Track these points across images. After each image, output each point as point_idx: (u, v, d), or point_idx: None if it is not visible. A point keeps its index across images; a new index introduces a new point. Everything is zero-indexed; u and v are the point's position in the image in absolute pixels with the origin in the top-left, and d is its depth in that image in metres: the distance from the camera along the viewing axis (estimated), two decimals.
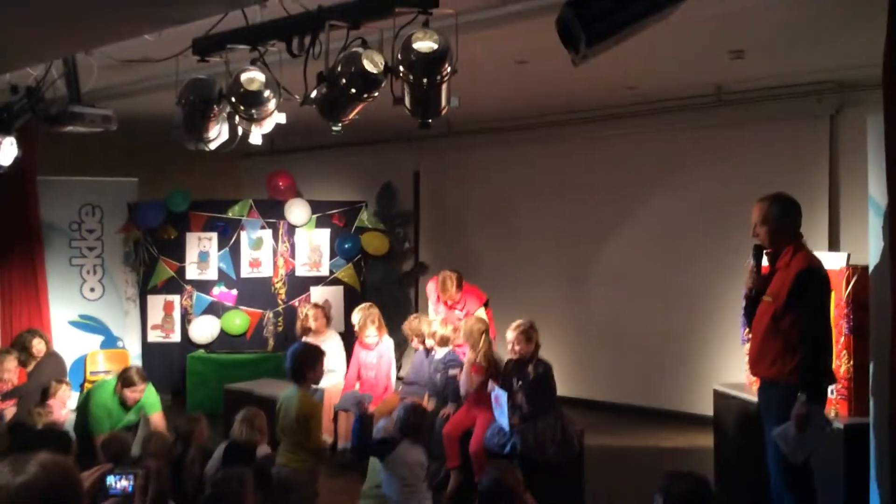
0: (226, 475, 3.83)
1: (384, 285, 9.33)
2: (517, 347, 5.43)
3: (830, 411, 4.83)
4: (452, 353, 6.11)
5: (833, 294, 4.91)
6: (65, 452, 4.31)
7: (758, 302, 4.37)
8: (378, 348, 6.64)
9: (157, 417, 5.95)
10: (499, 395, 5.35)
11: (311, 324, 7.06)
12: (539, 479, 5.15)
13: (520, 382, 5.36)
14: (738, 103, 7.31)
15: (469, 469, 5.58)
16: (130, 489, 2.70)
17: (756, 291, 4.37)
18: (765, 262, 4.41)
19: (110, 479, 2.71)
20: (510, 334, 5.48)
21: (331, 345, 7.00)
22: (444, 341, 6.12)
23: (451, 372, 6.01)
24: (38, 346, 6.99)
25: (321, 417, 4.85)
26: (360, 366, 6.72)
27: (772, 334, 4.23)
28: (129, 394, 5.79)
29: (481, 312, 6.65)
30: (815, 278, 4.15)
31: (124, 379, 5.81)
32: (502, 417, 5.33)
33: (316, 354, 4.88)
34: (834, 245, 6.88)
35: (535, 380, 5.33)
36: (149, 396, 5.96)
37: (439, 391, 6.11)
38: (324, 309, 7.24)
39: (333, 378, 6.94)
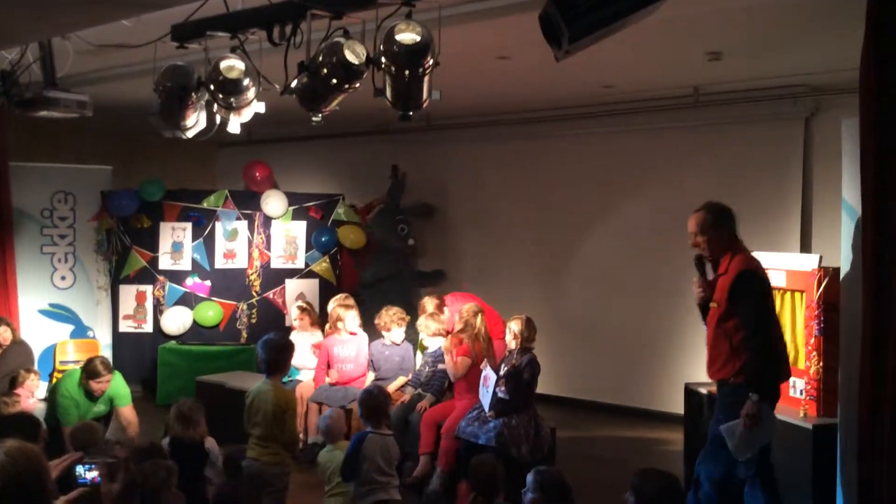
0: (151, 466, 3.68)
1: (377, 283, 9.19)
2: (514, 339, 5.49)
3: (799, 412, 4.91)
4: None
5: (804, 295, 4.99)
6: (33, 439, 4.26)
7: (709, 309, 4.54)
8: (357, 341, 6.61)
9: (127, 410, 5.91)
10: (487, 375, 5.43)
11: (295, 323, 7.12)
12: (508, 477, 5.18)
13: (506, 368, 5.41)
14: (714, 104, 7.37)
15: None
16: (99, 479, 2.67)
17: (704, 299, 4.52)
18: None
19: (79, 469, 2.68)
20: (513, 324, 5.53)
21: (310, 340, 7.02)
22: (436, 332, 6.13)
23: (441, 367, 6.01)
24: (3, 333, 6.86)
25: (296, 409, 4.84)
26: (333, 359, 6.62)
27: (720, 338, 4.40)
28: (95, 385, 5.73)
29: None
30: (753, 279, 4.31)
31: (88, 371, 5.74)
32: (485, 397, 5.40)
33: (291, 347, 4.87)
34: (805, 247, 6.97)
35: (518, 367, 5.37)
36: (119, 388, 5.92)
37: (423, 384, 6.10)
38: (308, 310, 7.23)
39: (306, 372, 6.93)
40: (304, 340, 6.94)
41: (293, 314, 7.28)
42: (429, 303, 6.40)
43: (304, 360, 6.88)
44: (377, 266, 9.26)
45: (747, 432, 4.15)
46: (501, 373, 5.40)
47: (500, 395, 5.34)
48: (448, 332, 6.26)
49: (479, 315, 5.77)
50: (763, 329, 4.27)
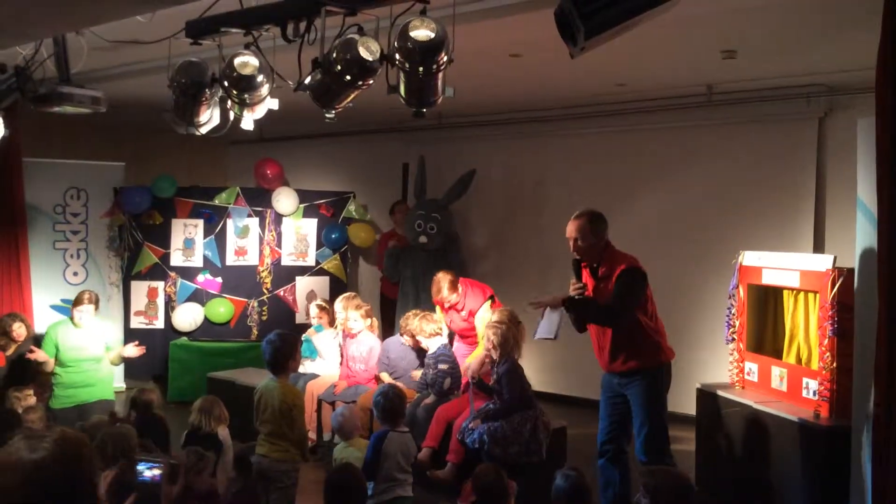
0: (188, 452, 3.98)
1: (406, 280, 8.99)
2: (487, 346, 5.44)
3: (812, 413, 4.88)
4: (444, 349, 6.11)
5: (818, 296, 4.96)
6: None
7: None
8: (367, 341, 6.58)
9: (112, 354, 6.42)
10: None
11: (313, 321, 7.11)
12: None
13: (496, 379, 5.38)
14: (728, 103, 7.32)
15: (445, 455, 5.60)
16: (159, 478, 2.66)
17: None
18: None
19: (140, 466, 2.67)
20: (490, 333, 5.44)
21: (328, 337, 7.03)
22: (432, 333, 6.11)
23: (441, 367, 5.99)
24: (18, 330, 6.88)
25: (304, 407, 4.84)
26: (347, 357, 6.64)
27: (619, 335, 4.68)
28: (77, 313, 6.22)
29: (486, 309, 6.22)
30: (633, 272, 4.64)
31: (74, 301, 6.36)
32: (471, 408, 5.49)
33: (295, 344, 4.87)
34: (818, 247, 6.92)
35: (498, 379, 5.33)
36: (112, 340, 6.52)
37: (429, 385, 6.07)
38: (322, 306, 7.18)
39: (326, 368, 6.92)
40: (327, 338, 6.97)
41: (312, 312, 7.19)
42: (444, 279, 6.26)
43: (329, 357, 6.91)
44: (402, 263, 9.01)
45: (551, 314, 4.73)
46: (493, 384, 5.35)
47: (495, 403, 5.32)
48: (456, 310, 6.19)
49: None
50: (627, 305, 4.59)
